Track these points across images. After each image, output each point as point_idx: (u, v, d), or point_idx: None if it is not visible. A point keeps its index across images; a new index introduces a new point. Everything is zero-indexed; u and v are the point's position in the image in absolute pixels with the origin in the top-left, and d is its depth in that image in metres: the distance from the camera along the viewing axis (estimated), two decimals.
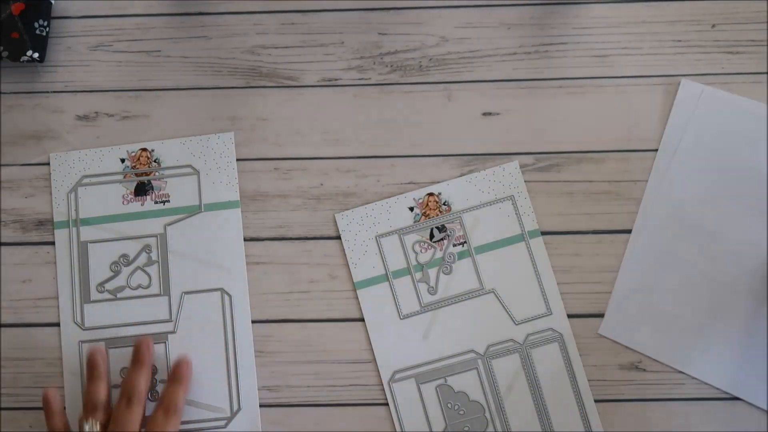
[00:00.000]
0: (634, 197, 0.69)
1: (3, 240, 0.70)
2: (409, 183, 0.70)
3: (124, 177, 0.63)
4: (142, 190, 0.63)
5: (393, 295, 0.66)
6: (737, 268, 0.66)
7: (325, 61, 0.72)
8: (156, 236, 0.62)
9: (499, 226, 0.67)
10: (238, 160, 0.70)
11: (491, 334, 0.66)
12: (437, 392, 0.65)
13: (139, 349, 0.60)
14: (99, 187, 0.64)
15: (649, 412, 0.65)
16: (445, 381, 0.65)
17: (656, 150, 0.69)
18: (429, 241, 0.67)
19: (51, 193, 0.64)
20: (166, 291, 0.62)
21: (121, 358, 0.62)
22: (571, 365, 0.65)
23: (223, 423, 0.60)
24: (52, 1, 0.73)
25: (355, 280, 0.67)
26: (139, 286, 0.62)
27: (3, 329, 0.68)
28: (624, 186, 0.69)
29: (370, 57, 0.72)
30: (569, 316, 0.67)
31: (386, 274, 0.67)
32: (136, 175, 0.63)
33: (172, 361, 0.61)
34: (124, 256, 0.62)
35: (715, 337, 0.65)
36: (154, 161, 0.64)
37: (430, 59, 0.72)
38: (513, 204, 0.68)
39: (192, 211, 0.62)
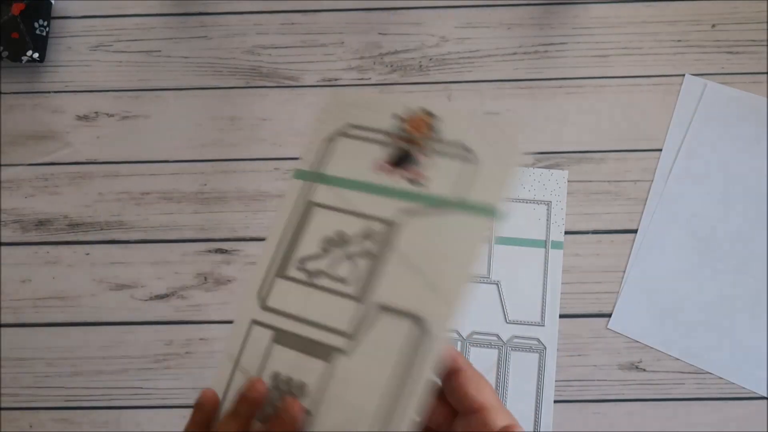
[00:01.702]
0: (634, 197, 0.69)
1: (3, 240, 0.70)
2: None
3: (390, 138, 0.47)
4: (402, 160, 0.47)
5: None
6: (744, 263, 0.66)
7: (325, 61, 0.72)
8: (385, 222, 0.45)
9: (527, 226, 0.68)
10: (238, 160, 0.69)
11: (479, 323, 0.66)
12: None
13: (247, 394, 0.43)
14: (360, 142, 0.48)
15: (649, 412, 0.65)
16: None
17: (656, 150, 0.69)
18: None
19: (309, 133, 0.49)
20: (361, 297, 0.45)
21: (279, 360, 0.46)
22: (543, 381, 0.65)
23: None
24: (52, 2, 0.73)
25: None
26: (340, 279, 0.46)
27: (3, 329, 0.68)
28: (624, 186, 0.69)
29: (370, 57, 0.72)
30: (569, 316, 0.67)
31: None
32: (404, 140, 0.47)
33: (331, 390, 0.44)
34: (341, 234, 0.47)
35: (725, 332, 0.66)
36: (431, 130, 0.48)
37: (430, 59, 0.72)
38: (548, 210, 0.68)
39: (441, 205, 0.45)
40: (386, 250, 0.45)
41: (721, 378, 0.66)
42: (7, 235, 0.70)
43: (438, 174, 0.46)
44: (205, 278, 0.70)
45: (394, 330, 0.44)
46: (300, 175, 0.48)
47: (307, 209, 0.48)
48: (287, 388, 0.44)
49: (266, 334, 0.46)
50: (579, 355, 0.66)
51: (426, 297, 0.43)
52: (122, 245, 0.71)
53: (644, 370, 0.66)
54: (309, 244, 0.47)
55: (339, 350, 0.44)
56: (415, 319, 0.43)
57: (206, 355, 0.69)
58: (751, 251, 0.67)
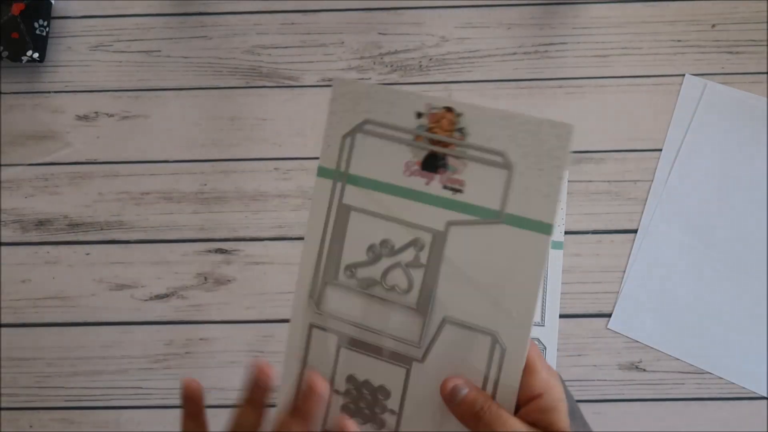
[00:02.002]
0: (634, 197, 0.69)
1: (3, 240, 0.70)
2: None
3: (415, 139, 0.46)
4: (432, 164, 0.46)
5: None
6: (744, 263, 0.66)
7: (325, 61, 0.72)
8: (433, 233, 0.46)
9: None
10: (238, 160, 0.70)
11: None
12: None
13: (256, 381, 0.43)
14: (381, 141, 0.46)
15: (649, 412, 0.65)
16: None
17: (656, 150, 0.69)
18: None
19: (324, 128, 0.48)
20: (424, 307, 0.46)
21: (351, 363, 0.48)
22: None
23: None
24: (52, 2, 0.73)
25: None
26: (395, 288, 0.46)
27: (3, 329, 0.68)
28: (624, 186, 0.69)
29: (370, 57, 0.72)
30: (569, 316, 0.67)
31: None
32: (431, 141, 0.45)
33: (410, 392, 0.46)
34: (388, 243, 0.47)
35: (725, 332, 0.66)
36: (458, 130, 0.46)
37: (430, 59, 0.72)
38: None
39: (487, 216, 0.45)
40: (439, 261, 0.45)
41: (721, 378, 0.66)
42: (7, 235, 0.70)
43: (475, 181, 0.45)
44: (205, 278, 0.70)
45: (466, 343, 0.45)
46: (325, 173, 0.47)
47: (343, 212, 0.47)
48: (371, 390, 0.46)
49: (331, 339, 0.47)
50: (579, 355, 0.66)
51: (495, 315, 0.44)
52: (122, 245, 0.71)
53: (644, 370, 0.66)
54: (354, 251, 0.46)
55: (414, 358, 0.45)
56: (489, 335, 0.44)
57: (206, 355, 0.69)
58: (751, 251, 0.67)
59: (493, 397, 0.43)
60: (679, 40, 0.71)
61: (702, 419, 0.65)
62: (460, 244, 0.45)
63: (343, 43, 0.72)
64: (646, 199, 0.68)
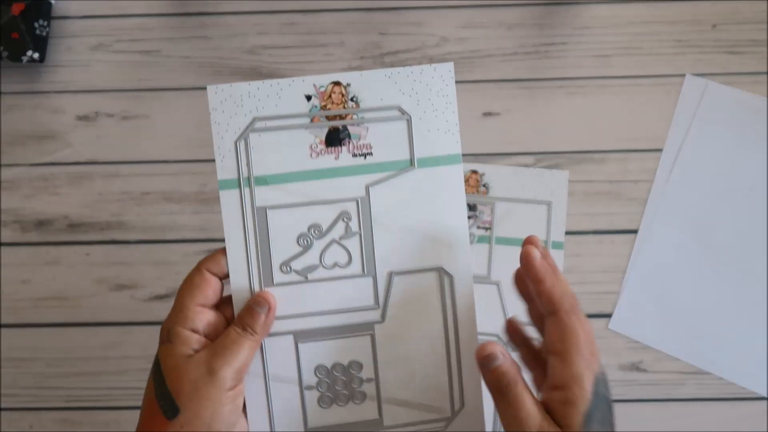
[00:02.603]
0: (635, 197, 0.69)
1: (3, 240, 0.70)
2: None
3: (312, 120, 0.47)
4: (335, 138, 0.47)
5: None
6: (745, 263, 0.66)
7: (326, 61, 0.72)
8: (356, 200, 0.47)
9: (527, 226, 0.68)
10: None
11: (479, 323, 0.65)
12: None
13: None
14: (278, 133, 0.47)
15: (649, 412, 0.65)
16: None
17: (657, 150, 0.69)
18: None
19: (213, 141, 0.48)
20: (370, 271, 0.47)
21: (314, 354, 0.48)
22: None
23: (442, 425, 0.49)
24: (52, 2, 0.73)
25: None
26: (336, 265, 0.47)
27: (3, 329, 0.68)
28: (624, 186, 0.69)
29: (370, 57, 0.72)
30: None
31: None
32: (327, 118, 0.46)
33: (380, 355, 0.47)
34: (316, 226, 0.47)
35: (726, 332, 0.66)
36: (351, 99, 0.47)
37: (431, 59, 0.72)
38: (548, 210, 0.68)
39: (401, 167, 0.47)
40: (370, 225, 0.47)
41: (721, 378, 0.65)
42: (7, 235, 0.70)
43: (381, 140, 0.47)
44: None
45: (415, 286, 0.47)
46: (228, 184, 0.48)
47: (260, 215, 0.47)
48: (342, 371, 0.47)
49: (285, 340, 0.47)
50: None
51: (435, 251, 0.47)
52: (122, 245, 0.71)
53: (645, 370, 0.66)
54: (284, 247, 0.47)
55: (374, 322, 0.47)
56: (433, 269, 0.47)
57: None
58: (751, 251, 0.67)
59: (455, 324, 0.47)
60: (679, 40, 0.71)
61: (702, 419, 0.65)
62: (384, 201, 0.47)
63: (343, 43, 0.72)
64: (647, 199, 0.68)
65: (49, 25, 0.72)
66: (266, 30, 0.73)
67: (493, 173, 0.69)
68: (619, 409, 0.66)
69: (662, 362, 0.66)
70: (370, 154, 0.47)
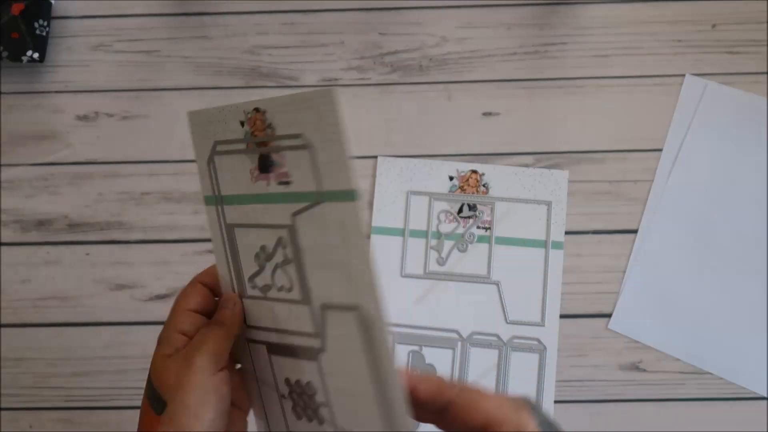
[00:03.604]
0: (634, 197, 0.69)
1: (3, 240, 0.70)
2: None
3: (247, 146, 0.47)
4: (264, 165, 0.47)
5: (403, 251, 0.68)
6: (744, 263, 0.66)
7: (325, 61, 0.72)
8: (286, 228, 0.47)
9: (527, 226, 0.68)
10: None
11: (480, 323, 0.66)
12: (409, 356, 0.67)
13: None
14: (230, 157, 0.48)
15: (649, 412, 0.65)
16: (420, 349, 0.66)
17: (656, 150, 0.69)
18: (456, 215, 0.68)
19: (196, 159, 0.49)
20: (306, 300, 0.46)
21: (282, 367, 0.49)
22: (544, 381, 0.65)
23: None
24: (52, 2, 0.73)
25: (372, 224, 0.69)
26: (283, 288, 0.48)
27: (3, 329, 0.68)
28: (624, 186, 0.69)
29: (370, 57, 0.72)
30: (570, 316, 0.67)
31: (404, 229, 0.68)
32: (257, 144, 0.46)
33: (329, 383, 0.46)
34: (265, 248, 0.48)
35: (726, 332, 0.66)
36: (268, 126, 0.46)
37: (431, 59, 0.72)
38: (548, 210, 0.68)
39: (313, 199, 0.45)
40: (299, 253, 0.46)
41: (721, 378, 0.65)
42: (7, 235, 0.70)
43: (294, 169, 0.45)
44: None
45: (343, 323, 0.45)
46: (209, 200, 0.50)
47: (230, 231, 0.49)
48: (300, 390, 0.47)
49: (261, 349, 0.48)
50: (579, 356, 0.66)
51: (351, 287, 0.44)
52: (122, 245, 0.71)
53: (645, 370, 0.66)
54: (249, 263, 0.48)
55: (318, 349, 0.46)
56: (352, 308, 0.44)
57: None
58: (751, 251, 0.67)
59: (377, 376, 0.42)
60: (679, 40, 0.71)
61: (702, 419, 0.65)
62: (307, 230, 0.45)
63: (343, 43, 0.72)
64: (647, 199, 0.68)
65: (49, 25, 0.72)
66: (266, 30, 0.73)
67: (492, 173, 0.69)
68: (619, 409, 0.66)
69: (662, 362, 0.66)
70: (289, 182, 0.46)
